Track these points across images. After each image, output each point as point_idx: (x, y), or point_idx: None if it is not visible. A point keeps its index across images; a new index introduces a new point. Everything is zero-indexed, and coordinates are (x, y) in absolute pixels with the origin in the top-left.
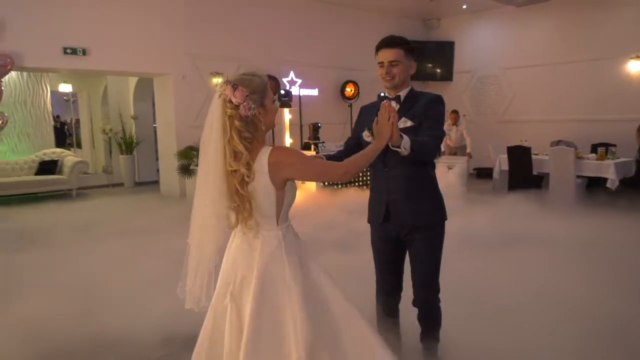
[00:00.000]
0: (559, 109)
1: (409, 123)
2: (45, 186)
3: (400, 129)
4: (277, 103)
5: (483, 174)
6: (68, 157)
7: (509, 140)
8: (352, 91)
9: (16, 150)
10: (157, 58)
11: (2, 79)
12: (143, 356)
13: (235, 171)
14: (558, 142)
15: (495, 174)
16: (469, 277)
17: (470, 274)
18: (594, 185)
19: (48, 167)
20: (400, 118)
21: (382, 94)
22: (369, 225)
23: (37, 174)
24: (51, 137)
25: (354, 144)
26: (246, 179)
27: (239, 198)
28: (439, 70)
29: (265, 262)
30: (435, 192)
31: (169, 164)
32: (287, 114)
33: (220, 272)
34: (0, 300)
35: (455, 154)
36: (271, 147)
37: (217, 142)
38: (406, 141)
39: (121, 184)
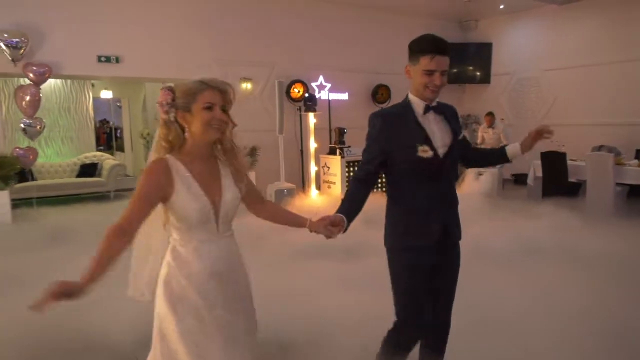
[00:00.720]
0: (602, 113)
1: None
2: (85, 188)
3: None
4: (210, 112)
5: (521, 180)
6: (107, 161)
7: (550, 145)
8: (384, 95)
9: (60, 154)
10: (187, 65)
11: (42, 87)
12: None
13: None
14: (600, 148)
15: (530, 181)
16: (476, 288)
17: (479, 285)
18: (636, 193)
19: (89, 170)
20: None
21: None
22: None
23: (78, 176)
24: (92, 141)
25: (379, 164)
26: None
27: None
28: (473, 74)
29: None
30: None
31: None
32: (312, 119)
33: None
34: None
35: None
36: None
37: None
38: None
39: None
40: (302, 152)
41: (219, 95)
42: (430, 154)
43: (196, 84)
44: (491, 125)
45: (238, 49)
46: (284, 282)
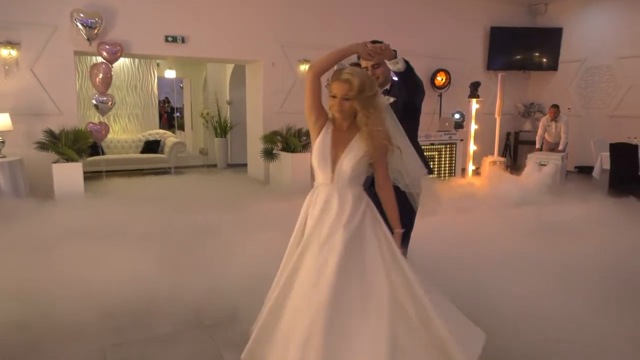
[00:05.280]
0: None
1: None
2: (148, 163)
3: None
4: (333, 99)
5: (585, 172)
6: (169, 138)
7: (618, 137)
8: (443, 80)
9: (126, 130)
10: (249, 45)
11: (113, 65)
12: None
13: None
14: None
15: (595, 174)
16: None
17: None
18: None
19: (152, 146)
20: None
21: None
22: None
23: (142, 152)
24: (156, 118)
25: None
26: None
27: None
28: (540, 60)
29: None
30: None
31: (256, 148)
32: None
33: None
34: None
35: (553, 150)
36: None
37: None
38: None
39: (215, 165)
40: None
41: (341, 85)
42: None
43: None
44: (555, 118)
45: (297, 31)
46: None
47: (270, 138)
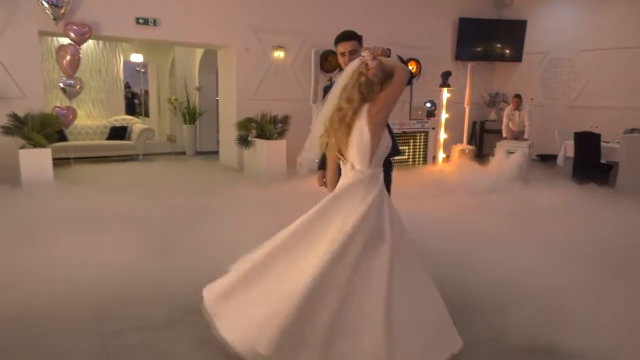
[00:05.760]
0: (636, 96)
1: None
2: (115, 150)
3: None
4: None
5: (547, 160)
6: (136, 124)
7: (579, 126)
8: (414, 69)
9: (90, 116)
10: (221, 30)
11: (81, 47)
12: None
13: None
14: (632, 130)
15: (560, 161)
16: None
17: None
18: None
19: (118, 132)
20: None
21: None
22: None
23: (108, 138)
24: (122, 104)
25: None
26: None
27: None
28: (505, 51)
29: None
30: None
31: (228, 135)
32: None
33: None
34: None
35: (517, 138)
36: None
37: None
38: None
39: (183, 153)
40: None
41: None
42: None
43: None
44: (517, 107)
45: (272, 16)
46: None
47: (245, 125)
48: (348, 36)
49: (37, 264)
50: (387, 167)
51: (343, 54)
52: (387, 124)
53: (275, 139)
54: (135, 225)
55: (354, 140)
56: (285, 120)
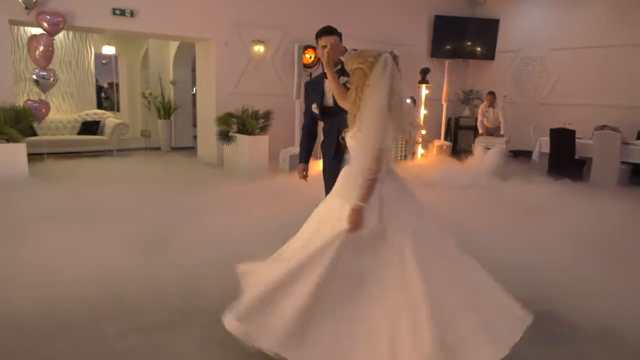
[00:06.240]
0: (605, 94)
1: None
2: (87, 146)
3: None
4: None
5: (520, 155)
6: (109, 119)
7: (550, 123)
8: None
9: (60, 110)
10: (201, 23)
11: (54, 38)
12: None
13: None
14: (602, 127)
15: (535, 156)
16: None
17: None
18: (638, 172)
19: (90, 127)
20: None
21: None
22: None
23: (79, 133)
24: (93, 98)
25: (310, 117)
26: None
27: None
28: (478, 49)
29: None
30: None
31: (207, 130)
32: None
33: None
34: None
35: (491, 134)
36: None
37: None
38: None
39: (158, 148)
40: None
41: None
42: (317, 110)
43: None
44: (492, 104)
45: (252, 10)
46: None
47: (225, 120)
48: (330, 30)
49: (25, 262)
50: None
51: (324, 47)
52: None
53: (258, 134)
54: (126, 222)
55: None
56: (267, 115)
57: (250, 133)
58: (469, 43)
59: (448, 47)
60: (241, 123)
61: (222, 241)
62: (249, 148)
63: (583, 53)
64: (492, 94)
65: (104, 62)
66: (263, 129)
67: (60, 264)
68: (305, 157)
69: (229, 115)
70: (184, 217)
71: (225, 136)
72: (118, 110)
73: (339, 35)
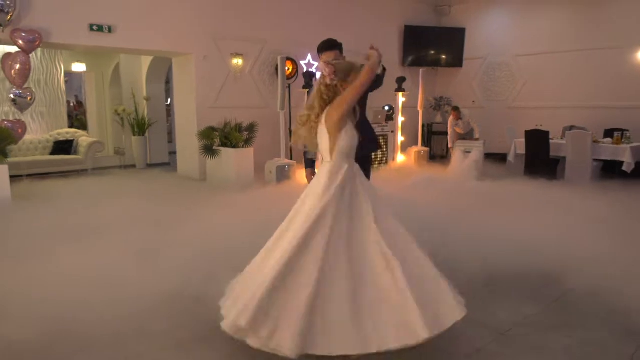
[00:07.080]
0: (570, 96)
1: None
2: (61, 166)
3: None
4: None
5: (493, 158)
6: (82, 138)
7: (520, 125)
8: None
9: (30, 130)
10: (180, 37)
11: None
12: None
13: None
14: (571, 128)
15: (511, 158)
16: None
17: None
18: (608, 169)
19: (63, 147)
20: None
21: None
22: None
23: (52, 153)
24: (64, 117)
25: None
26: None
27: None
28: (446, 57)
29: None
30: None
31: (187, 145)
32: (307, 96)
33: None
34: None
35: (464, 139)
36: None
37: None
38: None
39: (133, 165)
40: (291, 130)
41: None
42: None
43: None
44: (458, 117)
45: (230, 24)
46: None
47: (207, 134)
48: (330, 46)
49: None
50: (365, 162)
51: (327, 62)
52: (367, 122)
53: (242, 147)
54: (132, 240)
55: (319, 138)
56: (251, 127)
57: (235, 146)
58: (437, 52)
59: (418, 55)
60: (224, 136)
61: (218, 253)
62: (234, 161)
63: (547, 58)
64: (456, 109)
65: (66, 79)
66: (247, 142)
67: (74, 281)
68: (310, 162)
69: (211, 129)
70: (187, 232)
71: (209, 150)
72: (85, 129)
73: (340, 47)
